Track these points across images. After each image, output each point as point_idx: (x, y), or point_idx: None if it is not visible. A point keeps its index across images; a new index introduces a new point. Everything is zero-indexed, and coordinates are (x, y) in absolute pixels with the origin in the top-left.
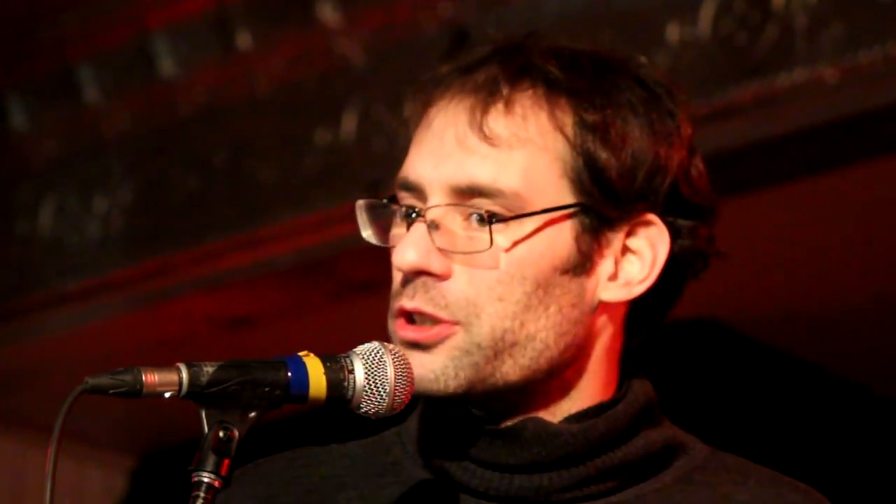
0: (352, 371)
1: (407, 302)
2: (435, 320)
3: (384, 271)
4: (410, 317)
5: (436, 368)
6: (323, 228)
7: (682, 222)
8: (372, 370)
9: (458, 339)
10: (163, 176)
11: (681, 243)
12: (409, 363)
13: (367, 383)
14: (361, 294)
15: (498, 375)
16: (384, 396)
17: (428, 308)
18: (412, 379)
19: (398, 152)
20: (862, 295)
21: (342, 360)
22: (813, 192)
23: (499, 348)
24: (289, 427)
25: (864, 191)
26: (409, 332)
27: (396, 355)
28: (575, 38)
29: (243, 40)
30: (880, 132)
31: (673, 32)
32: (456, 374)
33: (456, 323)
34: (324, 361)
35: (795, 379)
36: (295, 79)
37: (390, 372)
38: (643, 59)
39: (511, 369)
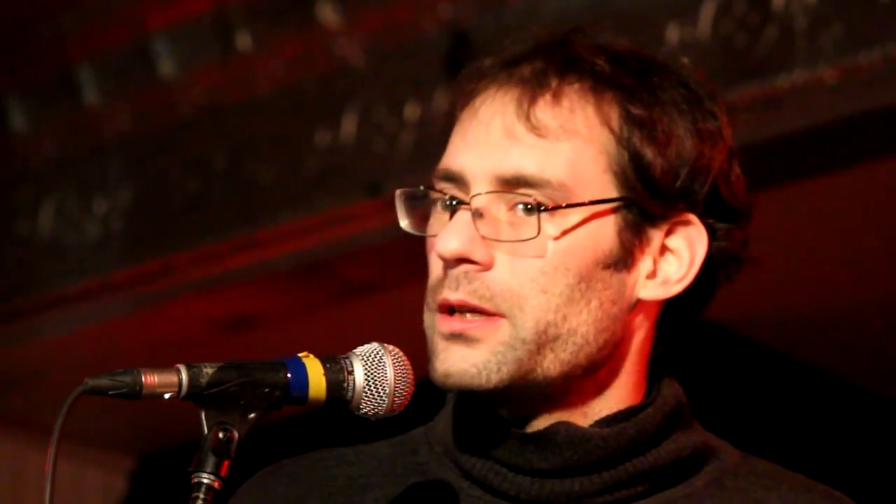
0: (351, 372)
1: (451, 294)
2: (479, 312)
3: (384, 273)
4: (451, 309)
5: (478, 363)
6: (323, 229)
7: (719, 224)
8: (371, 371)
9: (503, 333)
10: (162, 177)
11: (717, 245)
12: (408, 364)
13: (367, 384)
14: (361, 295)
15: (539, 371)
16: (384, 398)
17: (473, 300)
18: (412, 380)
19: (398, 153)
20: (861, 296)
21: (342, 362)
22: (813, 193)
23: (541, 342)
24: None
25: (864, 191)
26: (455, 324)
27: (396, 356)
28: (619, 39)
29: (243, 41)
30: (880, 133)
31: (673, 33)
32: (499, 369)
33: (500, 315)
34: (323, 363)
35: (795, 380)
36: (295, 80)
37: (390, 373)
38: (685, 60)
39: (552, 364)
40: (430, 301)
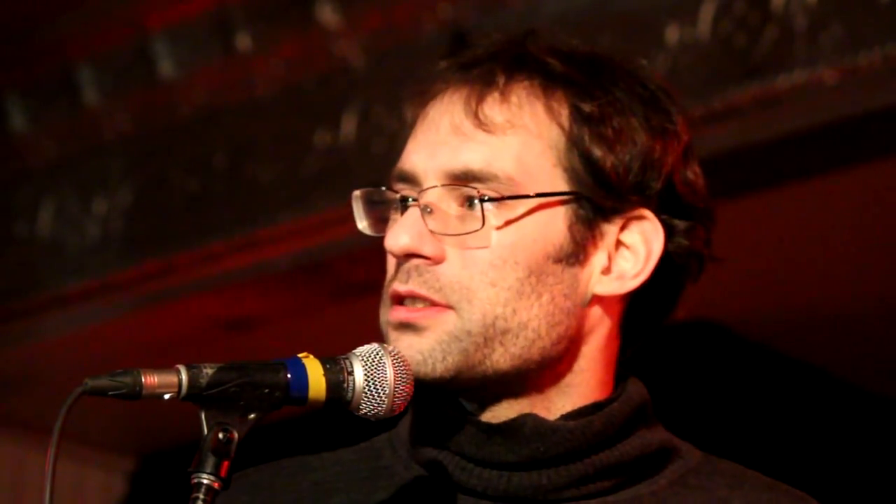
0: (351, 373)
1: (400, 286)
2: (428, 303)
3: (383, 273)
4: (402, 301)
5: (423, 350)
6: (322, 230)
7: (677, 222)
8: (371, 372)
9: (449, 323)
10: (162, 177)
11: (676, 242)
12: (408, 364)
13: (367, 385)
14: (361, 295)
15: (488, 363)
16: (384, 398)
17: (422, 290)
18: (412, 380)
19: (398, 153)
20: (861, 296)
21: (341, 362)
22: (812, 193)
23: (489, 335)
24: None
25: (864, 192)
26: (401, 313)
27: (396, 357)
28: (574, 40)
29: (243, 42)
30: (880, 133)
31: (672, 34)
32: (444, 358)
33: (448, 307)
34: (323, 363)
35: (793, 380)
36: (294, 80)
37: (390, 373)
38: (643, 61)
39: (502, 357)
40: (384, 296)
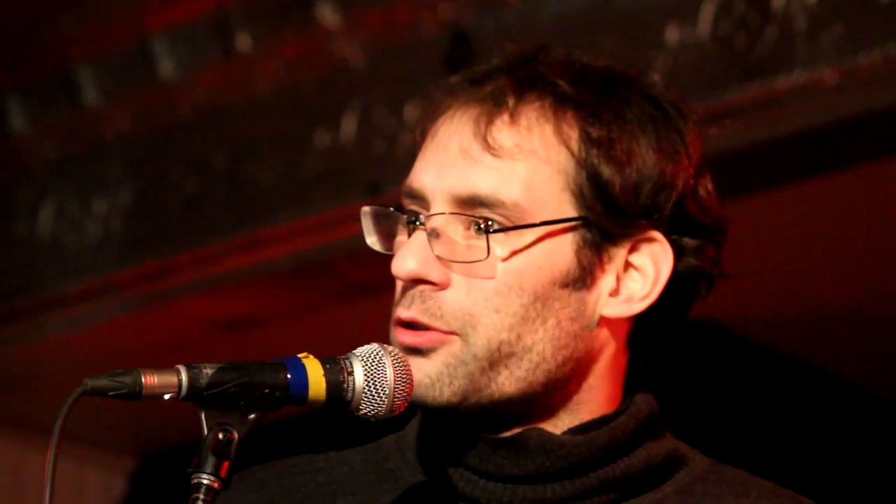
0: (351, 373)
1: (403, 311)
2: (430, 329)
3: (384, 273)
4: (409, 324)
5: (431, 373)
6: (322, 230)
7: (687, 241)
8: (371, 372)
9: (455, 347)
10: (162, 178)
11: (686, 262)
12: (408, 365)
13: (367, 385)
14: (361, 295)
15: (494, 387)
16: (383, 398)
17: (423, 318)
18: (412, 380)
19: (398, 154)
20: (861, 296)
21: (341, 362)
22: (812, 193)
23: (494, 359)
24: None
25: (864, 192)
26: (407, 337)
27: (396, 357)
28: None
29: (243, 42)
30: (880, 134)
31: (672, 34)
32: (451, 382)
33: (451, 332)
34: (323, 363)
35: (793, 380)
36: (294, 80)
37: (389, 374)
38: (656, 76)
39: (507, 381)
40: (392, 317)
